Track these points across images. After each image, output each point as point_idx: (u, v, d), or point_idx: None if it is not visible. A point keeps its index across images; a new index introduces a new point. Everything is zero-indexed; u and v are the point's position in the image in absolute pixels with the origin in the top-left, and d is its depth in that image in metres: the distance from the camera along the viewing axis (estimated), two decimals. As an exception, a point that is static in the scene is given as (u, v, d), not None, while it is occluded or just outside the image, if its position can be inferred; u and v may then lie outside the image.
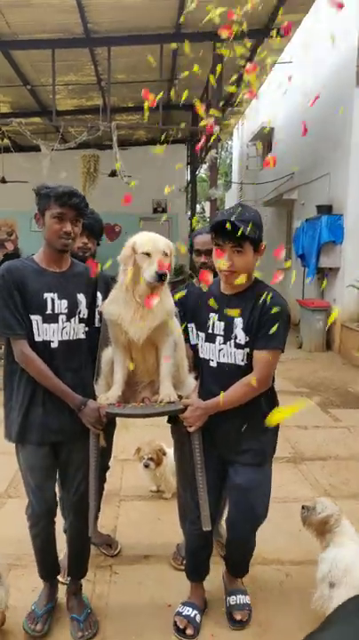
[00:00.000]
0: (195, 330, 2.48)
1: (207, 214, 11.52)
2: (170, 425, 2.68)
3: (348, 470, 3.97)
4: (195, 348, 2.47)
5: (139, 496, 3.56)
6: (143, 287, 2.08)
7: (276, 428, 2.29)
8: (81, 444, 2.25)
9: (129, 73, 9.44)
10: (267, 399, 2.23)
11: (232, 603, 2.45)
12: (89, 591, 2.56)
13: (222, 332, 2.20)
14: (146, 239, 2.12)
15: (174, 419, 2.47)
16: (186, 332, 2.46)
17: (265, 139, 13.94)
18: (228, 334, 2.18)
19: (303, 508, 2.58)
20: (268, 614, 2.46)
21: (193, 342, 2.49)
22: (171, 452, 3.46)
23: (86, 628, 2.31)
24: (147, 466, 3.36)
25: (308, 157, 10.08)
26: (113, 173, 10.60)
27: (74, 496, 2.32)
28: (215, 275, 2.50)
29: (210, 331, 2.25)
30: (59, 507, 2.39)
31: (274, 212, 12.93)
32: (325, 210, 8.71)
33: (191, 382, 2.40)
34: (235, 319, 2.15)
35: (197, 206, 14.77)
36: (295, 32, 8.11)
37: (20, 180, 10.51)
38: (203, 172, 14.71)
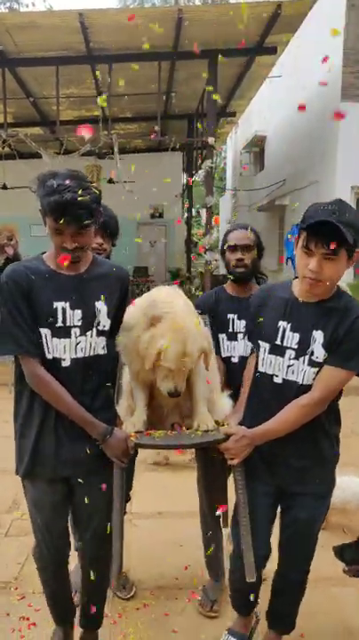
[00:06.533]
0: (225, 340, 2.41)
1: (203, 220, 12.03)
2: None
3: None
4: (226, 362, 2.37)
5: (148, 466, 4.08)
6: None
7: (338, 453, 2.04)
8: (99, 480, 1.94)
9: (127, 86, 9.95)
10: (331, 416, 1.97)
11: None
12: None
13: (295, 346, 1.87)
14: (175, 352, 1.81)
15: (207, 448, 2.14)
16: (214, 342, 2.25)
17: (257, 147, 14.54)
18: (303, 348, 1.86)
19: None
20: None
21: (224, 355, 2.42)
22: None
23: None
24: None
25: (299, 165, 10.67)
26: (111, 181, 11.13)
27: (90, 540, 2.02)
28: (248, 278, 2.43)
29: (278, 342, 1.91)
30: (70, 530, 2.15)
31: (266, 217, 13.50)
32: (314, 215, 9.26)
33: (225, 403, 2.16)
34: (314, 332, 1.83)
35: (193, 210, 15.28)
36: (284, 50, 8.69)
37: (22, 186, 11.00)
38: (198, 178, 15.25)
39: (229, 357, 2.43)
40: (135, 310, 1.98)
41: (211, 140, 8.73)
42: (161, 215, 14.39)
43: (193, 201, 13.39)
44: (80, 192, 1.71)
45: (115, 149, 8.89)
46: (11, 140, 9.41)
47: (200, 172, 11.17)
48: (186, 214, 14.12)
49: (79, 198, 1.70)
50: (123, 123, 12.27)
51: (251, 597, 2.14)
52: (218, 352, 2.39)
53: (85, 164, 10.07)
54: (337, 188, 8.84)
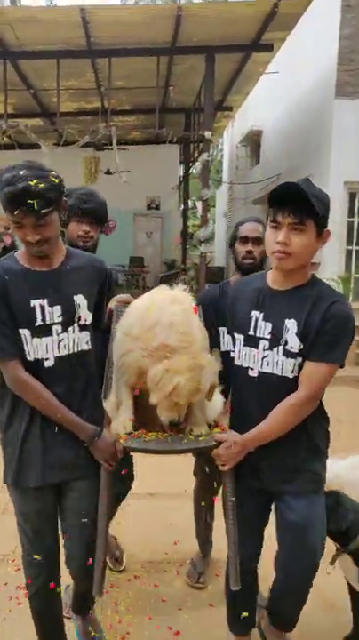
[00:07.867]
0: (226, 333, 2.32)
1: (199, 212, 12.19)
2: None
3: None
4: (225, 356, 2.23)
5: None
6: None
7: (327, 446, 1.96)
8: (88, 484, 1.89)
9: (127, 80, 10.07)
10: (317, 412, 1.87)
11: None
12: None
13: (268, 336, 1.81)
14: (189, 390, 1.74)
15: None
16: (214, 337, 2.21)
17: (253, 141, 14.66)
18: (277, 338, 1.79)
19: None
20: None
21: (223, 349, 2.32)
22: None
23: None
24: None
25: (293, 160, 10.83)
26: (108, 172, 11.27)
27: (79, 548, 1.96)
28: (255, 271, 2.31)
29: (251, 332, 1.85)
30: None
31: (262, 211, 13.66)
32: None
33: (217, 400, 2.05)
34: (287, 321, 1.76)
35: (189, 202, 15.42)
36: (280, 47, 8.82)
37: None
38: (195, 171, 15.43)
39: (229, 351, 2.31)
40: (139, 315, 1.87)
41: (207, 133, 8.87)
42: (157, 207, 14.53)
43: (189, 193, 13.51)
44: (35, 181, 1.63)
45: (114, 142, 9.01)
46: (11, 131, 9.53)
47: (197, 164, 11.34)
48: (182, 206, 14.26)
49: (34, 187, 1.62)
50: (122, 115, 12.37)
51: (248, 605, 2.06)
52: (217, 345, 2.36)
53: (84, 155, 10.19)
54: (330, 183, 9.00)
